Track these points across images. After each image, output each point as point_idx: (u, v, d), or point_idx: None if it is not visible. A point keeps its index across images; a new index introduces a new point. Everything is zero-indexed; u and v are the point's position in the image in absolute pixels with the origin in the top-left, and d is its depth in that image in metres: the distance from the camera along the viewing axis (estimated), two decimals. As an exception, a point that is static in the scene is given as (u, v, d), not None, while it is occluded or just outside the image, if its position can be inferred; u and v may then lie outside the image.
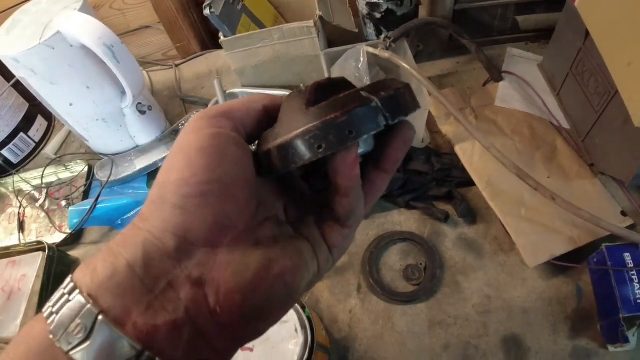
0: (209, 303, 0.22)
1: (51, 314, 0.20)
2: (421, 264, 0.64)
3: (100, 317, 0.20)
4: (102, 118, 0.72)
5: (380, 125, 0.23)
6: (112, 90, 0.70)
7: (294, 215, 0.28)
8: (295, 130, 0.23)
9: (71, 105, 0.70)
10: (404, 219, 0.68)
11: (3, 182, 0.84)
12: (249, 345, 0.51)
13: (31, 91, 0.69)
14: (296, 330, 0.51)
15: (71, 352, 0.19)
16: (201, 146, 0.23)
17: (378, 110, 0.23)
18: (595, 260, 0.61)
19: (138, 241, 0.21)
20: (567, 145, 0.69)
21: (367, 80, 0.69)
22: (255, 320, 0.23)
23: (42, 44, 0.61)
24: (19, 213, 0.79)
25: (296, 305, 0.52)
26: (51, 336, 0.20)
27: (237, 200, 0.23)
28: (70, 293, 0.21)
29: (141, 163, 0.75)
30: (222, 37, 0.72)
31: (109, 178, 0.73)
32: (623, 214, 0.64)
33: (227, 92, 0.76)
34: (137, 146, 0.78)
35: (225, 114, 0.25)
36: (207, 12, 0.70)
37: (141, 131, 0.75)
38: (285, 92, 0.72)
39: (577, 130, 0.69)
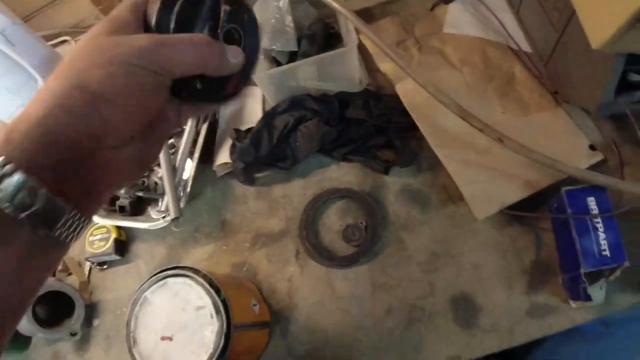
0: None
1: None
2: (362, 223, 0.59)
3: None
4: (22, 104, 0.67)
5: None
6: (24, 74, 0.65)
7: None
8: None
9: (-15, 95, 0.66)
10: (342, 174, 0.62)
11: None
12: (168, 334, 0.50)
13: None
14: (212, 316, 0.48)
15: None
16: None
17: None
18: (555, 205, 0.53)
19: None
20: (527, 72, 0.59)
21: (289, 22, 0.61)
22: None
23: None
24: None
25: (210, 289, 0.49)
26: None
27: None
28: None
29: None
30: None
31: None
32: (592, 147, 0.55)
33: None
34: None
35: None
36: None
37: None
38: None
39: (538, 53, 0.59)
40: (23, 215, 0.24)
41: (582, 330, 0.59)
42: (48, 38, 0.81)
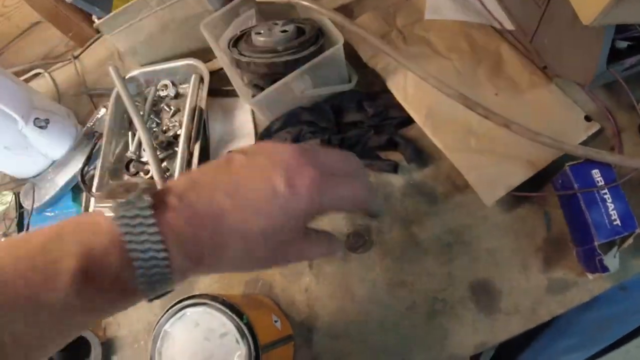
0: None
1: None
2: (360, 225, 0.58)
3: None
4: (3, 146, 0.65)
5: None
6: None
7: None
8: None
9: (-36, 141, 0.63)
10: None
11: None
12: (196, 364, 0.49)
13: None
14: (237, 341, 0.47)
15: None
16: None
17: None
18: (560, 182, 0.54)
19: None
20: (513, 50, 0.59)
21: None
22: None
23: None
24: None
25: (232, 314, 0.48)
26: None
27: None
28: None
29: (62, 179, 0.69)
30: (96, 20, 0.62)
31: (32, 204, 0.68)
32: (587, 118, 0.55)
33: (127, 76, 0.67)
34: (54, 161, 0.72)
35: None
36: (68, -2, 0.60)
37: (50, 146, 0.68)
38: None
39: (522, 30, 0.58)
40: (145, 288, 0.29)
41: (600, 297, 0.60)
42: (20, 73, 0.79)
